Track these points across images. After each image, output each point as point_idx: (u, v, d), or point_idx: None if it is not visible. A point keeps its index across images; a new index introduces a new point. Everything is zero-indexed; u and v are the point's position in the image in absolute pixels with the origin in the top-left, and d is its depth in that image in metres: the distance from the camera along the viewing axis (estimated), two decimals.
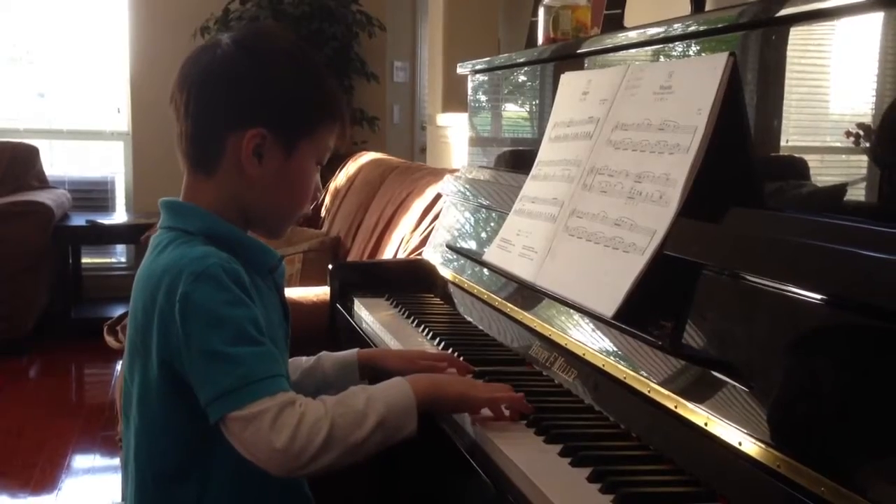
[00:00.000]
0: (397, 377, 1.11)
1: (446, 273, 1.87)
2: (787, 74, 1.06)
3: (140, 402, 1.09)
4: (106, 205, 5.35)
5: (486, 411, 1.13)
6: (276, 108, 1.11)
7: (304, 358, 1.35)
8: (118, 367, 3.44)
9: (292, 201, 1.17)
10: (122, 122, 5.31)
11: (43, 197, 4.50)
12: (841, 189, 1.00)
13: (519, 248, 1.52)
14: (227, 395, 0.99)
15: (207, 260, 1.04)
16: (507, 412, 1.11)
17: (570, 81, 1.59)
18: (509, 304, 1.50)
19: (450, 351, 1.42)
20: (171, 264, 1.05)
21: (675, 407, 0.99)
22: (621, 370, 1.11)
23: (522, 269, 1.47)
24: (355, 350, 1.38)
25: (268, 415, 0.98)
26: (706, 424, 0.94)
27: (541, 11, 1.85)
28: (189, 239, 1.09)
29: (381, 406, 1.05)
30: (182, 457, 1.08)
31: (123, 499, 1.16)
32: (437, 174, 2.65)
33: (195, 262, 1.03)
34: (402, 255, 2.45)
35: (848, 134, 0.97)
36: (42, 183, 4.90)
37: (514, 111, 2.03)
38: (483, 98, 2.17)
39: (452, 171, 2.35)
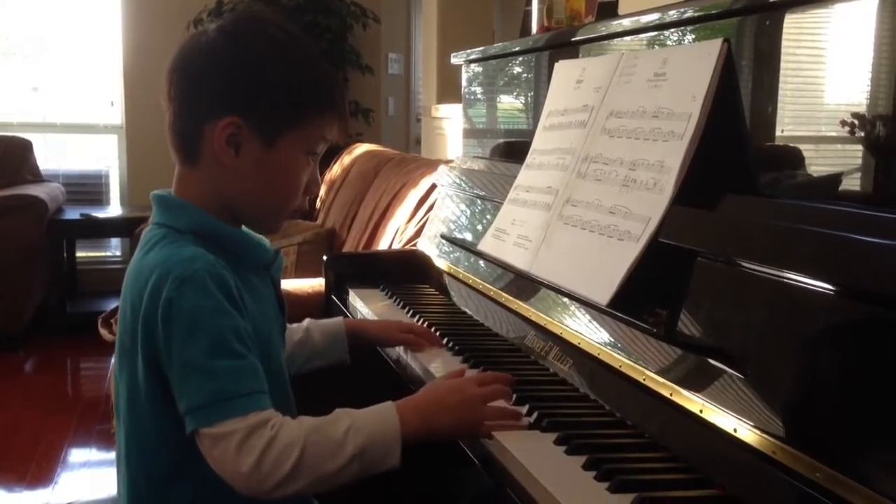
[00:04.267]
0: (388, 402, 1.05)
1: (441, 264, 1.86)
2: (782, 60, 1.06)
3: (129, 402, 1.06)
4: (100, 198, 5.33)
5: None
6: (253, 96, 1.06)
7: (293, 325, 1.34)
8: (113, 360, 3.44)
9: (277, 196, 1.11)
10: (116, 115, 5.29)
11: (37, 191, 4.48)
12: (835, 174, 0.99)
13: (514, 237, 1.52)
14: (199, 409, 0.96)
15: (194, 264, 1.00)
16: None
17: (564, 70, 1.58)
18: (504, 294, 1.49)
19: (444, 340, 1.41)
20: (157, 265, 1.01)
21: (671, 395, 0.99)
22: (617, 358, 1.11)
23: (517, 259, 1.46)
24: (341, 319, 1.38)
25: (235, 437, 0.95)
26: (701, 412, 0.93)
27: (534, 0, 1.85)
28: (178, 237, 1.06)
29: (362, 438, 0.99)
30: (174, 457, 1.05)
31: (119, 495, 1.14)
32: (432, 165, 2.65)
33: (181, 264, 1.00)
34: (397, 247, 2.45)
35: (843, 123, 0.96)
36: (36, 177, 4.88)
37: (508, 101, 2.03)
38: (477, 88, 2.16)
39: (447, 162, 2.34)
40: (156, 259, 1.03)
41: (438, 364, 1.33)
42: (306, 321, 1.38)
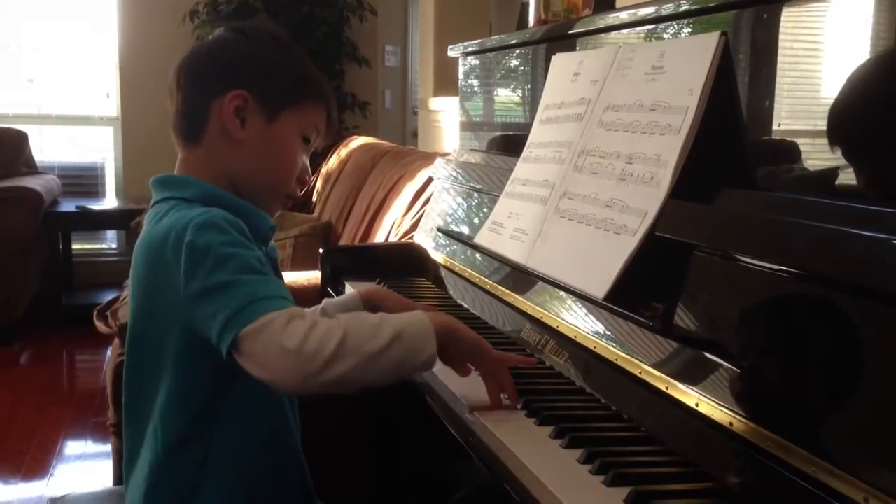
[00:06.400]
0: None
1: (438, 257, 1.86)
2: (780, 54, 1.06)
3: (155, 363, 1.11)
4: (96, 190, 5.32)
5: (483, 393, 1.11)
6: (258, 72, 1.16)
7: (308, 310, 1.35)
8: (109, 353, 3.44)
9: (277, 170, 1.19)
10: (112, 106, 5.28)
11: (32, 183, 4.47)
12: (833, 168, 0.99)
13: (510, 230, 1.51)
14: (236, 315, 0.98)
15: (209, 213, 1.06)
16: (505, 400, 1.10)
17: (560, 63, 1.58)
18: (501, 288, 1.49)
19: None
20: (174, 224, 1.06)
21: (667, 388, 0.99)
22: (613, 352, 1.11)
23: (514, 252, 1.46)
24: (356, 292, 1.38)
25: (278, 321, 0.97)
26: (697, 405, 0.94)
27: None
28: (188, 205, 1.11)
29: (397, 323, 1.03)
30: (191, 419, 1.10)
31: (119, 483, 1.16)
32: (429, 158, 2.64)
33: (197, 216, 1.05)
34: (393, 240, 2.45)
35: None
36: (31, 169, 4.87)
37: (505, 94, 2.02)
38: (474, 81, 2.16)
39: (444, 155, 2.34)
40: (170, 221, 1.07)
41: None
42: (323, 302, 1.38)
